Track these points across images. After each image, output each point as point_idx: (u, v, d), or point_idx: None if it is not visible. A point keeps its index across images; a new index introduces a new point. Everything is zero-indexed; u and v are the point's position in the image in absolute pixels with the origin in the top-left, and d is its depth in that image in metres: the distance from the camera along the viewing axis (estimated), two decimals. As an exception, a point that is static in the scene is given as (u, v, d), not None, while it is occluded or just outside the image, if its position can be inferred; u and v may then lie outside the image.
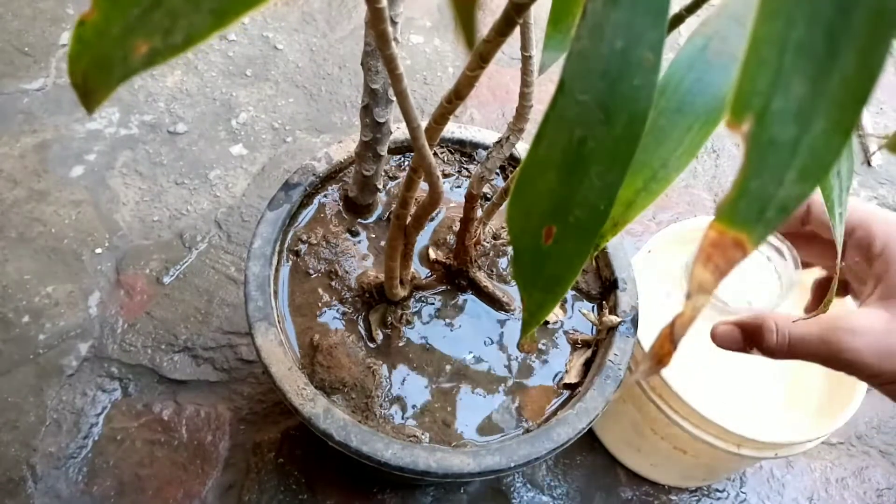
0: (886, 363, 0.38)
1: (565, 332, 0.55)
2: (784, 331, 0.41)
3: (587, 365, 0.53)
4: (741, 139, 0.15)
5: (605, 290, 0.57)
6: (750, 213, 0.15)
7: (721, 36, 0.29)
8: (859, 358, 0.38)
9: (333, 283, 0.54)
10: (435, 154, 0.55)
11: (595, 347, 0.54)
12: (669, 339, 0.20)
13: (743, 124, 0.15)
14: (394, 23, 0.43)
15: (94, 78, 0.21)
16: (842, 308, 0.55)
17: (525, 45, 0.40)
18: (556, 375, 0.53)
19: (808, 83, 0.15)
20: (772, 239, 0.49)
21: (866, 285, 0.41)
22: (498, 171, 0.61)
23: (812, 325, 0.40)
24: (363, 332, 0.52)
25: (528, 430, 0.49)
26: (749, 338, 0.43)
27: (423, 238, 0.57)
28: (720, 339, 0.45)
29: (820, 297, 0.48)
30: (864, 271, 0.42)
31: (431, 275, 0.55)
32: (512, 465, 0.46)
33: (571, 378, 0.52)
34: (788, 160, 0.15)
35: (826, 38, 0.15)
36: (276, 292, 0.53)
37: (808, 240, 0.48)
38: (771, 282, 0.51)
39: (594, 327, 0.55)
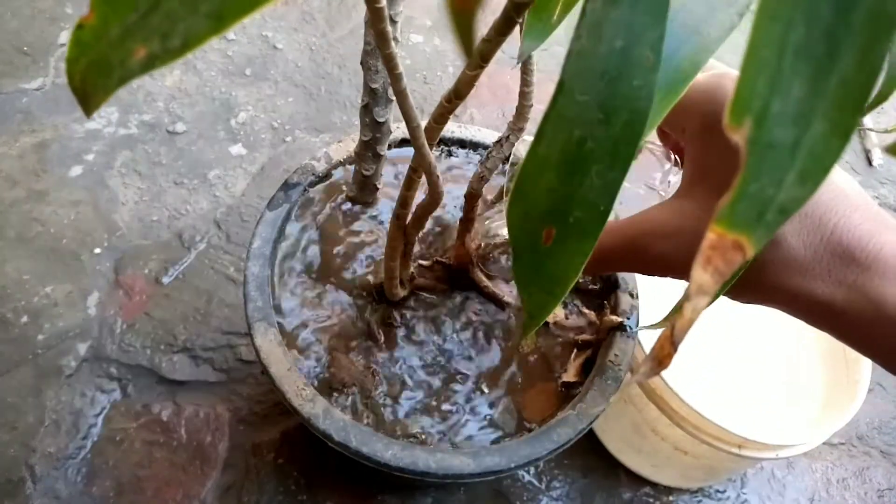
0: (681, 268, 0.33)
1: (564, 330, 0.55)
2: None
3: (587, 364, 0.53)
4: (740, 142, 0.15)
5: (606, 289, 0.57)
6: (750, 215, 0.15)
7: (687, 10, 0.29)
8: (668, 262, 0.33)
9: (333, 283, 0.54)
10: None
11: (595, 347, 0.54)
12: (670, 341, 0.20)
13: (742, 127, 0.15)
14: (393, 22, 0.43)
15: (92, 81, 0.21)
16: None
17: (525, 45, 0.40)
18: (556, 375, 0.52)
19: (808, 85, 0.15)
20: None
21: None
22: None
23: (621, 230, 0.34)
24: (362, 331, 0.52)
25: (529, 430, 0.49)
26: None
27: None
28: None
29: None
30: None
31: (431, 275, 0.55)
32: (512, 465, 0.46)
33: (570, 377, 0.52)
34: (788, 163, 0.15)
35: (825, 40, 0.15)
36: (275, 292, 0.53)
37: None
38: None
39: (595, 327, 0.55)
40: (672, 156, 0.40)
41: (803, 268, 0.30)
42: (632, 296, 0.55)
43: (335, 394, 0.49)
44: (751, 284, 0.31)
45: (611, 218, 0.26)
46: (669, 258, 0.32)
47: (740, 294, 0.32)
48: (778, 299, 0.32)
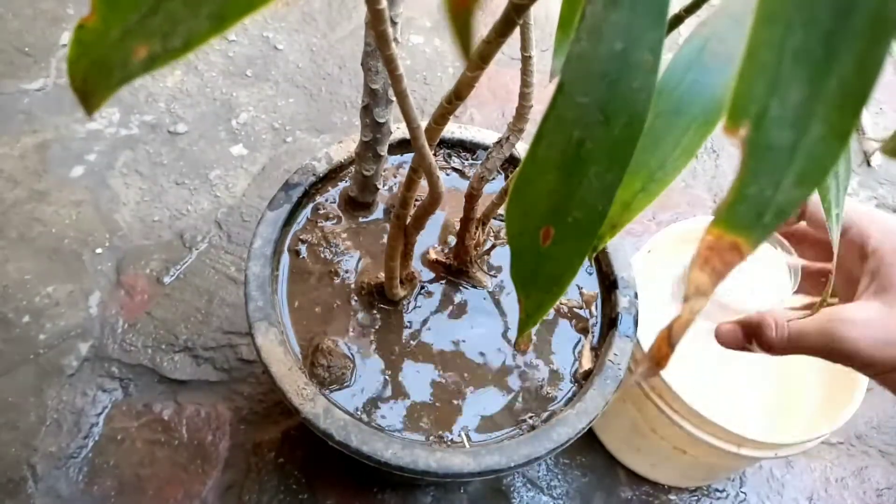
0: (882, 353, 0.38)
1: (565, 314, 0.55)
2: (783, 325, 0.42)
3: (595, 350, 0.53)
4: (739, 144, 0.15)
5: (605, 289, 0.57)
6: (747, 217, 0.15)
7: (719, 37, 0.29)
8: (856, 348, 0.38)
9: (333, 283, 0.54)
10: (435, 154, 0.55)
11: (596, 333, 0.54)
12: (667, 342, 0.20)
13: (740, 129, 0.15)
14: (394, 23, 0.43)
15: (93, 81, 0.21)
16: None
17: (525, 46, 0.40)
18: (556, 372, 0.53)
19: (806, 88, 0.15)
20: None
21: (860, 282, 0.42)
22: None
23: (809, 320, 0.41)
24: (362, 331, 0.52)
25: (532, 428, 0.49)
26: (749, 335, 0.45)
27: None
28: (723, 339, 0.46)
29: (812, 283, 0.50)
30: (857, 268, 0.43)
31: (431, 274, 0.55)
32: (512, 464, 0.46)
33: (585, 366, 0.52)
34: (786, 165, 0.15)
35: (823, 43, 0.15)
36: (276, 292, 0.53)
37: (800, 237, 0.49)
38: (779, 275, 0.51)
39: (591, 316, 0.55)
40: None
41: None
42: (631, 296, 0.55)
43: (335, 393, 0.49)
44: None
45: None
46: (854, 342, 0.38)
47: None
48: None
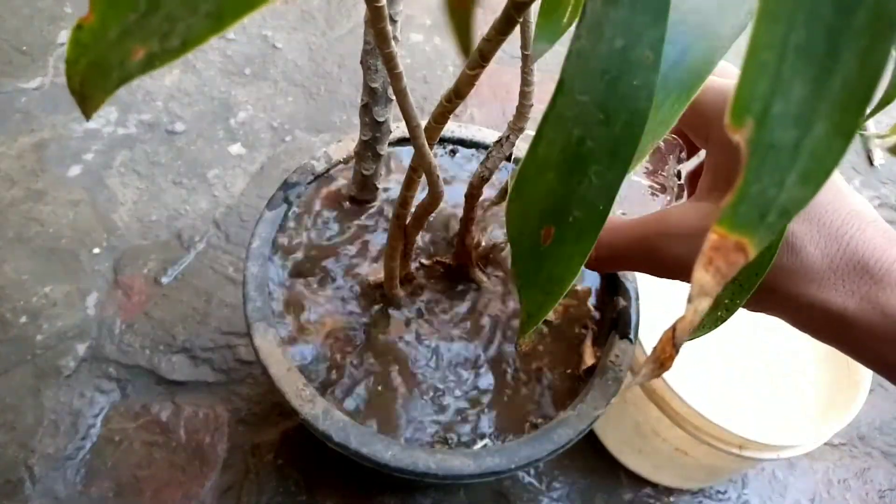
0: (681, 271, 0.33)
1: (562, 312, 0.55)
2: (605, 240, 0.34)
3: (596, 345, 0.53)
4: (741, 143, 0.15)
5: (606, 289, 0.57)
6: (751, 217, 0.15)
7: (695, 9, 0.29)
8: (683, 264, 0.33)
9: (333, 283, 0.54)
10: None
11: (595, 328, 0.54)
12: (671, 343, 0.19)
13: (743, 128, 0.15)
14: (393, 21, 0.43)
15: (91, 82, 0.21)
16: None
17: (525, 44, 0.40)
18: (556, 372, 0.52)
19: (809, 86, 0.14)
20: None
21: (701, 176, 0.35)
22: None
23: (636, 228, 0.34)
24: (363, 331, 0.52)
25: (533, 429, 0.49)
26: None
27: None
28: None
29: (693, 188, 0.39)
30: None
31: (432, 274, 0.55)
32: (512, 466, 0.46)
33: (588, 361, 0.52)
34: (789, 164, 0.15)
35: (827, 41, 0.14)
36: (274, 292, 0.52)
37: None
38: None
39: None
40: (680, 152, 0.40)
41: (819, 276, 0.31)
42: (632, 296, 0.55)
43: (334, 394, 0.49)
44: (764, 292, 0.32)
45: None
46: (685, 260, 0.32)
47: (752, 302, 0.33)
48: (789, 308, 0.33)
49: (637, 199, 0.41)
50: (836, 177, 0.32)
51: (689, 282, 0.30)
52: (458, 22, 0.14)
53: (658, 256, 0.33)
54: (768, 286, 0.31)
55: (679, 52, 0.27)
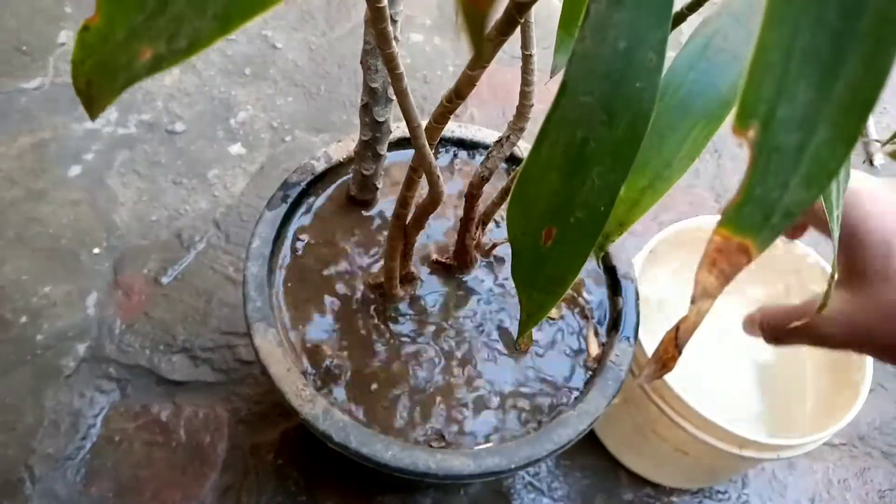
0: (854, 340, 0.43)
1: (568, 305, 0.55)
2: (768, 321, 0.48)
3: (598, 336, 0.54)
4: (746, 145, 0.15)
5: (607, 289, 0.57)
6: (755, 218, 0.15)
7: (722, 34, 0.29)
8: (837, 341, 0.43)
9: (332, 283, 0.54)
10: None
11: (597, 317, 0.54)
12: (674, 343, 0.20)
13: (748, 131, 0.15)
14: (394, 21, 0.43)
15: (97, 83, 0.21)
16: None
17: (526, 44, 0.40)
18: (557, 372, 0.52)
19: (814, 90, 0.14)
20: None
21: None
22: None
23: (796, 315, 0.45)
24: (362, 331, 0.52)
25: (534, 428, 0.49)
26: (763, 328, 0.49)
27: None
28: (749, 331, 0.51)
29: None
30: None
31: (432, 274, 0.55)
32: (512, 466, 0.46)
33: (594, 351, 0.52)
34: (793, 167, 0.15)
35: (832, 45, 0.14)
36: (274, 292, 0.52)
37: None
38: None
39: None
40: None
41: None
42: (635, 297, 0.55)
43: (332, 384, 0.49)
44: (864, 329, 0.42)
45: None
46: (833, 337, 0.43)
47: (855, 345, 0.44)
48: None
49: None
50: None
51: (836, 349, 0.44)
52: (473, 20, 0.14)
53: (821, 337, 0.44)
54: (868, 322, 0.41)
55: (707, 77, 0.27)
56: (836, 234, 0.31)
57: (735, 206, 0.15)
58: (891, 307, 0.41)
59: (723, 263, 0.15)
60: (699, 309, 0.17)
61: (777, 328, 0.47)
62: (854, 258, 0.43)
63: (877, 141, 1.04)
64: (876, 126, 1.09)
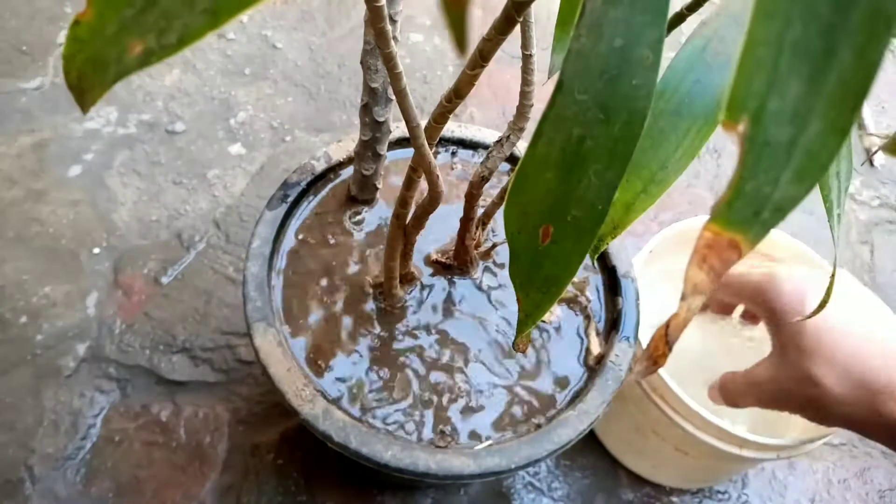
0: (779, 397, 0.53)
1: (568, 303, 0.55)
2: (723, 393, 0.58)
3: (603, 333, 0.53)
4: (737, 140, 0.15)
5: (607, 289, 0.57)
6: (745, 214, 0.15)
7: (720, 36, 0.29)
8: (768, 401, 0.54)
9: (332, 283, 0.54)
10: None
11: (599, 315, 0.54)
12: (664, 340, 0.20)
13: (738, 125, 0.15)
14: (393, 21, 0.43)
15: (88, 77, 0.21)
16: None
17: (525, 44, 0.40)
18: (557, 371, 0.52)
19: (805, 83, 0.14)
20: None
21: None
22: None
23: (739, 383, 0.56)
24: (362, 331, 0.52)
25: (537, 427, 0.49)
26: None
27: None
28: (713, 401, 0.60)
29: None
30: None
31: (431, 275, 0.55)
32: (512, 466, 0.46)
33: (596, 349, 0.52)
34: (784, 161, 0.15)
35: (823, 38, 0.14)
36: (274, 293, 0.52)
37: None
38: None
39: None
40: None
41: (837, 400, 0.50)
42: (634, 297, 0.55)
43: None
44: (804, 410, 0.52)
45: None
46: (766, 403, 0.54)
47: (824, 421, 0.53)
48: (825, 419, 0.52)
49: None
50: (837, 309, 0.46)
51: (771, 409, 0.54)
52: (454, 17, 0.14)
53: (758, 402, 0.55)
54: (804, 407, 0.52)
55: (703, 80, 0.27)
56: (835, 233, 0.31)
57: (725, 201, 0.15)
58: (802, 372, 0.49)
59: (713, 259, 0.15)
60: (689, 305, 0.17)
61: (729, 396, 0.57)
62: (776, 333, 0.52)
63: (875, 135, 1.04)
64: (875, 125, 1.09)
